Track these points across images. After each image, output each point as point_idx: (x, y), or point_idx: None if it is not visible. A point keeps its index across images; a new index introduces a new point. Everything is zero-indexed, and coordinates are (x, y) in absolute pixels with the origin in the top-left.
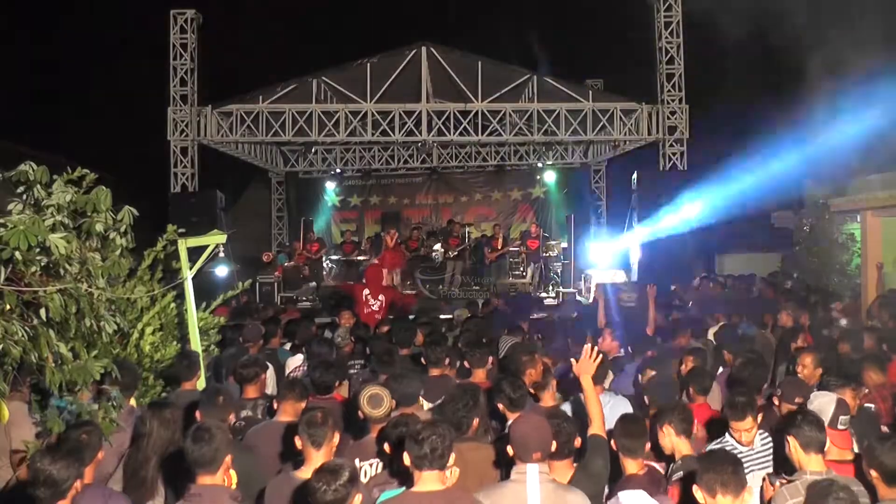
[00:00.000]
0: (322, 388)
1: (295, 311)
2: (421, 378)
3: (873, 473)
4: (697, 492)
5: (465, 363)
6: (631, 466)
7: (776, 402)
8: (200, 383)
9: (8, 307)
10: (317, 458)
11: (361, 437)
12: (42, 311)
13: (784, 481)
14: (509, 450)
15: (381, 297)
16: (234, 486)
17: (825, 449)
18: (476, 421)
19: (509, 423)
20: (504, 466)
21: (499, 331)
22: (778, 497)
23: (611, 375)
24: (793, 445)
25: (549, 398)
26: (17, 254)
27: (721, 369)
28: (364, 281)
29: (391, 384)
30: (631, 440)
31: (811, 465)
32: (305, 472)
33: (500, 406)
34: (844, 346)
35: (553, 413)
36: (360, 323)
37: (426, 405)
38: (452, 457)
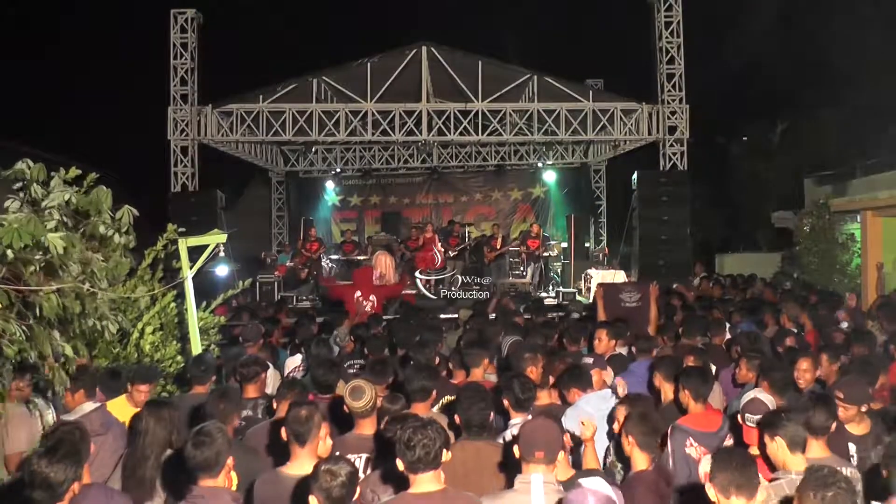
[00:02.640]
0: (324, 388)
1: (282, 314)
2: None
3: (885, 473)
4: (710, 489)
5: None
6: (641, 462)
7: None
8: None
9: (1, 305)
10: (302, 455)
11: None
12: (37, 310)
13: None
14: (516, 450)
15: (372, 297)
16: (234, 488)
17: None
18: (490, 418)
19: (511, 422)
20: (508, 470)
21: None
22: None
23: (611, 374)
24: (779, 445)
25: (545, 397)
26: (9, 252)
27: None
28: (353, 283)
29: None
30: (645, 437)
31: (796, 465)
32: (291, 469)
33: (506, 402)
34: (858, 349)
35: (546, 411)
36: (360, 322)
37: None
38: (447, 454)
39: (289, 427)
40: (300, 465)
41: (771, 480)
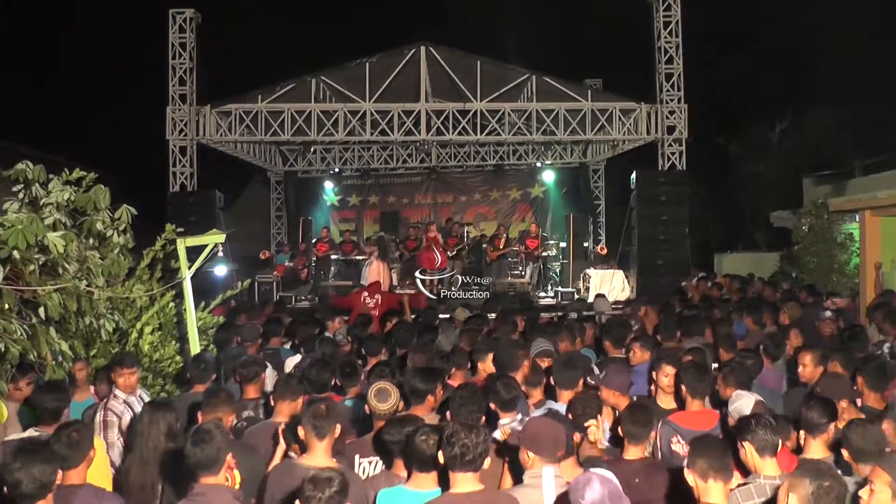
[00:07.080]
0: (318, 387)
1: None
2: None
3: (845, 453)
4: (689, 475)
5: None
6: (633, 452)
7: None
8: None
9: (7, 306)
10: (318, 449)
11: (364, 434)
12: (41, 310)
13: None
14: (528, 452)
15: (377, 296)
16: (237, 486)
17: (777, 451)
18: (483, 420)
19: (500, 422)
20: (512, 468)
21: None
22: (730, 500)
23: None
24: (748, 450)
25: (538, 394)
26: (14, 252)
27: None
28: (364, 287)
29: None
30: (637, 427)
31: (766, 470)
32: (308, 460)
33: (493, 406)
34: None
35: (551, 412)
36: (358, 322)
37: None
38: (488, 461)
39: (308, 422)
40: (315, 457)
41: (741, 484)
